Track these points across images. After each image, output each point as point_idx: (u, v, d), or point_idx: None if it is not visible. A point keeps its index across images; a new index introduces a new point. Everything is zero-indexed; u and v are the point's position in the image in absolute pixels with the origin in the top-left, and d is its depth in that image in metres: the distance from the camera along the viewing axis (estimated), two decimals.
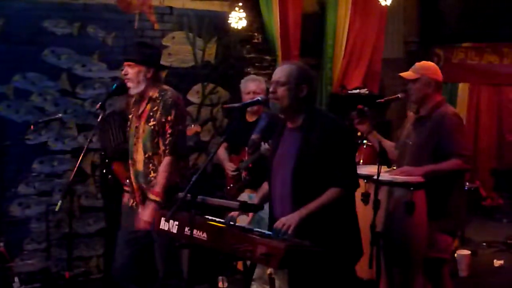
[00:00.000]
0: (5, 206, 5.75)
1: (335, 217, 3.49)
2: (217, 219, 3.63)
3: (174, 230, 3.61)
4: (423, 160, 4.41)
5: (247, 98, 5.28)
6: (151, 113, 4.33)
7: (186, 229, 3.47)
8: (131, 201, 4.49)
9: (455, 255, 6.14)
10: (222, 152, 5.59)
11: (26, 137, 5.84)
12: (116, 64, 6.09)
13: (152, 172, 4.35)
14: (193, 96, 6.88)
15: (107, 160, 5.53)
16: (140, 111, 4.40)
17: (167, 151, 4.28)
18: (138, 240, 4.46)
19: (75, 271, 6.05)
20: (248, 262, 3.76)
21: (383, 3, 7.18)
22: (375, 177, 4.13)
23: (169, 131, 4.28)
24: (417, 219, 4.25)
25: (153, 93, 4.36)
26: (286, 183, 3.55)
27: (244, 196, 5.31)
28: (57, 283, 5.93)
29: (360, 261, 3.73)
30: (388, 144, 4.80)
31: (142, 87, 4.34)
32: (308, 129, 3.53)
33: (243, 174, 5.30)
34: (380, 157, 4.28)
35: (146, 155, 4.35)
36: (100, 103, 4.38)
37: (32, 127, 5.62)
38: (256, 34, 7.34)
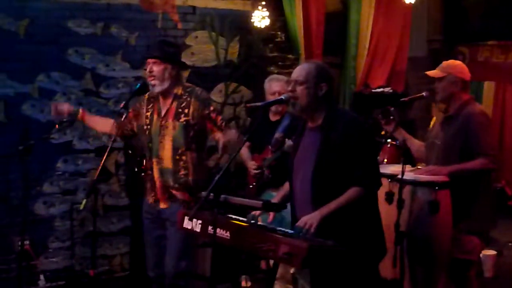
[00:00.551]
0: (30, 204, 5.79)
1: (357, 216, 3.47)
2: (240, 218, 3.63)
3: (198, 229, 3.62)
4: (451, 159, 4.37)
5: (271, 99, 5.26)
6: (179, 110, 4.35)
7: (209, 228, 3.48)
8: (151, 198, 4.49)
9: (480, 255, 6.08)
10: (245, 151, 5.59)
11: (51, 136, 5.87)
12: (139, 63, 6.11)
13: (182, 169, 4.36)
14: (216, 95, 6.88)
15: (138, 158, 5.54)
16: (165, 110, 4.40)
17: (222, 126, 4.40)
18: (161, 238, 4.48)
19: (99, 269, 6.09)
20: (271, 261, 3.75)
21: (407, 1, 7.14)
22: (399, 176, 4.11)
23: (218, 117, 4.41)
24: (441, 219, 4.21)
25: (178, 91, 4.39)
26: (306, 183, 3.55)
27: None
28: (81, 281, 5.96)
29: (384, 261, 3.71)
30: (415, 143, 4.77)
31: (166, 85, 4.36)
32: (328, 128, 3.51)
33: (266, 172, 5.29)
34: (404, 156, 4.26)
35: (179, 151, 4.35)
36: (123, 102, 4.40)
37: (56, 126, 5.65)
38: (279, 33, 7.32)
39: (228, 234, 3.42)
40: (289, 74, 6.61)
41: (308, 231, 3.33)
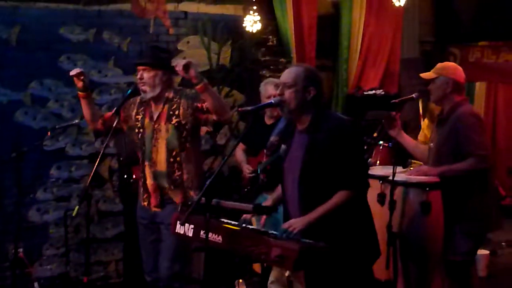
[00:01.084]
0: (23, 212, 5.79)
1: (349, 218, 3.48)
2: (232, 222, 3.64)
3: (190, 234, 3.63)
4: (442, 162, 4.40)
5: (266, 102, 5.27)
6: (170, 112, 4.37)
7: (202, 232, 3.49)
8: (145, 202, 4.50)
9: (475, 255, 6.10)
10: (240, 154, 5.60)
11: (44, 143, 5.87)
12: (132, 69, 6.09)
13: (177, 170, 4.38)
14: None
15: (127, 164, 5.56)
16: (156, 114, 4.41)
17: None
18: (156, 242, 4.48)
19: (93, 276, 6.09)
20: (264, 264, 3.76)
21: (397, 4, 7.17)
22: (391, 177, 4.13)
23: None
24: (433, 219, 4.24)
25: (169, 94, 4.40)
26: (295, 185, 3.57)
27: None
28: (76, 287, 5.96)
29: (377, 262, 3.72)
30: (420, 146, 4.80)
31: (157, 91, 4.37)
32: (315, 131, 3.54)
33: (261, 176, 5.30)
34: (396, 158, 4.28)
35: (173, 153, 4.37)
36: (115, 108, 4.42)
37: (49, 133, 5.67)
38: (270, 37, 7.33)
39: (220, 238, 3.43)
40: None
41: (291, 233, 3.36)
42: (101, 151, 4.24)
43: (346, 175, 3.46)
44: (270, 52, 7.36)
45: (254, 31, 6.90)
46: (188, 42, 6.77)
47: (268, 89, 5.42)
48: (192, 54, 6.78)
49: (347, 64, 7.82)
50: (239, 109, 6.84)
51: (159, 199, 4.43)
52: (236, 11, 7.02)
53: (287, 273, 4.30)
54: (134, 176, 5.50)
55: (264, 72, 7.19)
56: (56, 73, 5.98)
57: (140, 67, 4.39)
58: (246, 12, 6.90)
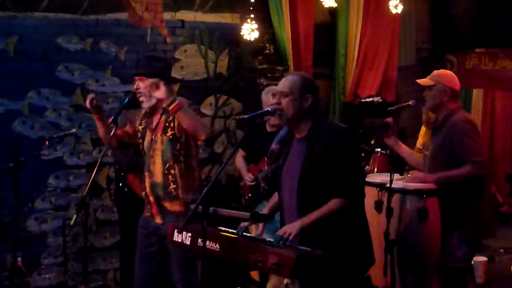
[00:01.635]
0: (22, 221, 5.78)
1: (344, 226, 3.49)
2: (230, 230, 3.64)
3: (188, 242, 3.63)
4: (439, 169, 4.40)
5: None
6: (167, 124, 4.36)
7: (199, 240, 3.49)
8: (148, 213, 4.50)
9: (472, 262, 6.10)
10: (240, 161, 5.60)
11: (42, 152, 5.89)
12: (129, 78, 6.11)
13: (171, 184, 4.36)
14: (206, 108, 6.90)
15: (122, 174, 5.57)
16: (154, 124, 4.42)
17: None
18: (153, 255, 4.47)
19: (91, 285, 6.09)
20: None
21: (393, 11, 7.20)
22: (388, 185, 4.14)
23: None
24: (430, 226, 4.25)
25: (166, 104, 4.40)
26: (292, 193, 3.57)
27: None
28: None
29: (375, 269, 3.73)
30: (415, 155, 4.81)
31: (154, 100, 4.36)
32: (313, 139, 3.54)
33: (262, 184, 5.30)
34: (393, 165, 4.29)
35: (167, 165, 4.36)
36: (112, 117, 4.42)
37: (47, 142, 5.68)
38: (267, 45, 7.36)
39: (217, 246, 3.43)
40: None
41: (287, 240, 3.36)
42: (99, 161, 4.25)
43: (340, 183, 3.46)
44: (267, 60, 7.38)
45: (251, 39, 6.91)
46: (185, 50, 6.79)
47: (270, 98, 5.42)
48: (190, 62, 6.80)
49: (344, 72, 7.85)
50: (236, 117, 6.85)
51: (159, 210, 4.43)
52: (233, 20, 7.04)
53: (285, 281, 4.31)
54: (127, 183, 5.51)
55: (261, 80, 7.22)
56: (53, 83, 6.00)
57: (136, 77, 4.40)
58: (243, 20, 6.92)
